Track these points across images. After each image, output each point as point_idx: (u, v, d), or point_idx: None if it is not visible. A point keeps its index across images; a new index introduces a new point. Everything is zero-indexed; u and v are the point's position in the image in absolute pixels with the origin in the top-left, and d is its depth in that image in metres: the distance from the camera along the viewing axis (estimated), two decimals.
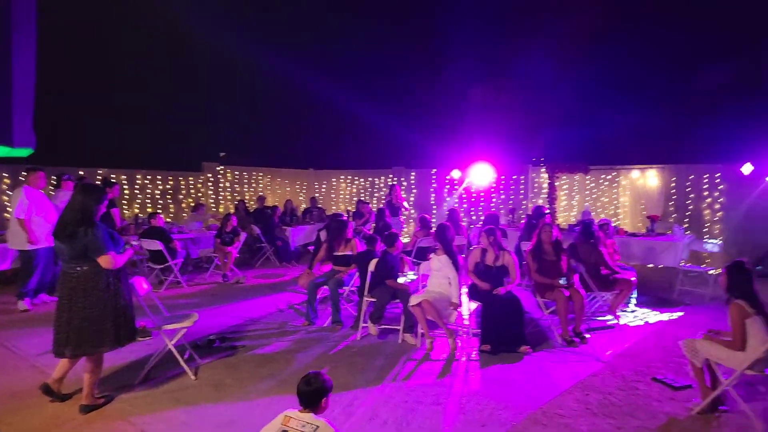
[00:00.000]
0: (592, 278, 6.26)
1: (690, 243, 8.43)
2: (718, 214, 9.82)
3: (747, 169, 9.21)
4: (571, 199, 11.85)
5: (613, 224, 8.28)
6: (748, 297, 3.67)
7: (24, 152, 2.02)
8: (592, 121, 14.23)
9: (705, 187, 9.99)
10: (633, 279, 6.31)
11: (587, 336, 5.62)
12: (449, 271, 5.48)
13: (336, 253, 6.53)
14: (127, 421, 3.73)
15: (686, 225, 9.91)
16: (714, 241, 9.07)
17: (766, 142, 9.72)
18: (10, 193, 8.53)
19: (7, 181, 9.22)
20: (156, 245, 8.01)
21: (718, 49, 13.21)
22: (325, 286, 6.32)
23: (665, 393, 4.21)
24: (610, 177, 11.34)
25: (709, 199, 9.95)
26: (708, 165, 10.04)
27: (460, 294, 5.56)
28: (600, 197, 11.49)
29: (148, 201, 11.83)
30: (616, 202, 11.27)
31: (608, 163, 11.30)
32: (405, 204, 11.37)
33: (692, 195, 10.15)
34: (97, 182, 10.21)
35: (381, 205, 13.58)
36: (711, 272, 7.90)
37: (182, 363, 4.56)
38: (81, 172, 10.04)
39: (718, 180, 9.84)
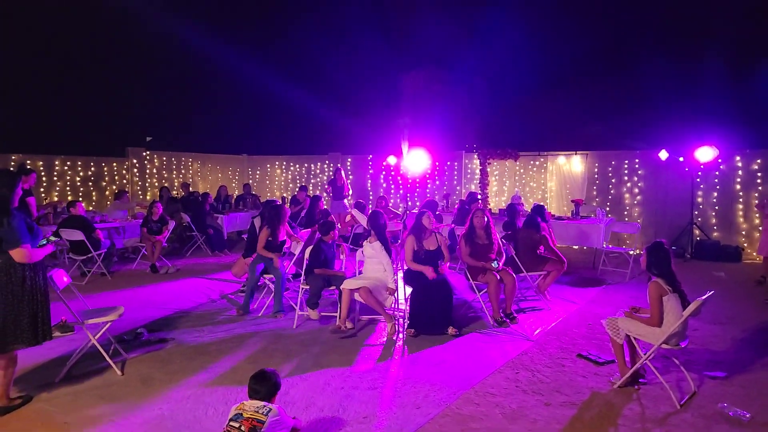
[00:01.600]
0: (522, 260, 6.51)
1: (611, 225, 8.96)
2: (638, 197, 10.49)
3: (663, 155, 9.87)
4: (502, 184, 12.25)
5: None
6: (666, 275, 3.91)
7: None
8: (522, 110, 14.73)
9: (625, 172, 10.63)
10: (563, 261, 6.60)
11: (516, 317, 5.84)
12: (383, 257, 5.52)
13: (279, 240, 6.38)
14: (48, 422, 3.49)
15: (608, 208, 10.51)
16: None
17: (681, 129, 10.47)
18: None
19: None
20: (77, 235, 7.51)
21: (639, 40, 13.98)
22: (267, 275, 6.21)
23: (589, 368, 4.45)
24: (538, 163, 11.81)
25: (629, 184, 10.60)
26: (627, 152, 10.69)
27: (396, 279, 5.61)
28: (529, 182, 11.96)
29: (68, 188, 11.06)
30: (543, 187, 11.78)
31: (536, 150, 11.77)
32: (348, 185, 11.32)
33: (613, 180, 10.77)
34: (11, 169, 9.42)
35: (317, 192, 13.48)
36: (630, 253, 8.44)
37: (107, 358, 4.32)
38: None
39: (637, 165, 10.49)
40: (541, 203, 8.03)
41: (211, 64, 15.54)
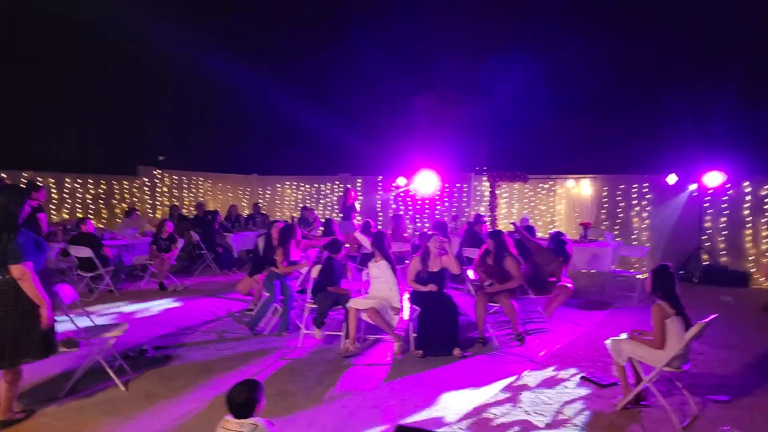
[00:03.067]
0: (531, 283, 6.49)
1: (619, 249, 8.92)
2: (646, 221, 10.45)
3: (672, 179, 9.87)
4: (511, 206, 12.26)
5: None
6: (670, 298, 3.91)
7: None
8: (532, 132, 14.83)
9: (634, 196, 10.62)
10: (570, 286, 6.56)
11: (524, 337, 5.80)
12: (389, 277, 5.55)
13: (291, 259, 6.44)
14: None
15: (616, 232, 10.47)
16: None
17: (689, 154, 10.49)
18: None
19: None
20: (85, 252, 7.61)
21: (650, 65, 14.10)
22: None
23: (593, 391, 4.41)
24: (547, 186, 11.83)
25: (637, 208, 10.58)
26: (637, 175, 10.69)
27: (402, 299, 5.63)
28: (538, 205, 11.96)
29: (79, 206, 11.24)
30: (552, 209, 11.77)
31: (546, 173, 11.80)
32: (357, 206, 11.37)
33: (622, 204, 10.75)
34: (20, 185, 9.63)
35: (327, 213, 13.58)
36: (638, 276, 8.38)
37: (111, 374, 4.35)
38: (3, 175, 9.41)
39: (646, 190, 10.48)
40: (560, 231, 8.02)
41: (223, 84, 15.86)
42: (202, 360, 5.12)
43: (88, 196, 11.44)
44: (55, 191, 10.73)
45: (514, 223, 7.47)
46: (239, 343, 5.69)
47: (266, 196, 15.34)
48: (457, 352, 5.31)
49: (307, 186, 14.83)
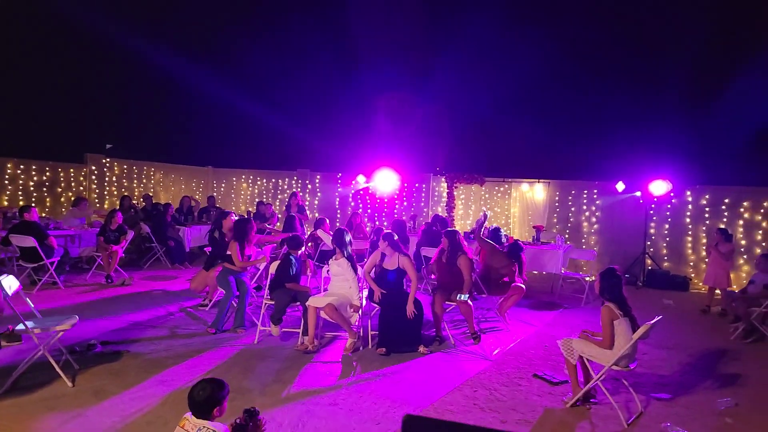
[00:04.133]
0: (485, 282, 6.64)
1: (569, 252, 9.25)
2: (595, 226, 10.89)
3: (620, 186, 10.32)
4: (468, 208, 12.50)
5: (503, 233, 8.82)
6: (618, 300, 4.10)
7: None
8: (488, 137, 15.18)
9: (584, 201, 11.04)
10: (523, 287, 6.75)
11: (480, 336, 5.94)
12: (349, 275, 5.55)
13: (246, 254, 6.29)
14: None
15: (567, 235, 10.86)
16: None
17: (637, 161, 11.00)
18: None
19: None
20: (28, 242, 7.21)
21: (600, 72, 14.69)
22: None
23: (544, 388, 4.57)
24: (502, 189, 12.12)
25: (587, 213, 11.00)
26: (587, 182, 11.11)
27: (361, 297, 5.64)
28: (493, 207, 12.24)
29: (20, 193, 10.62)
30: (507, 212, 12.07)
31: (501, 176, 12.09)
32: (306, 209, 11.35)
33: (573, 208, 11.16)
34: None
35: (284, 209, 13.41)
36: (587, 279, 8.73)
37: (57, 369, 4.16)
38: None
39: (596, 195, 10.92)
40: (518, 240, 8.24)
41: (178, 73, 15.36)
42: (154, 356, 4.96)
43: (30, 183, 10.83)
44: None
45: (485, 214, 7.59)
46: (192, 340, 5.54)
47: (221, 189, 14.98)
48: (422, 349, 5.38)
49: (264, 181, 14.58)
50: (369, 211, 13.07)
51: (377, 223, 12.89)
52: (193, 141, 17.06)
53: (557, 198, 11.35)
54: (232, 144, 17.61)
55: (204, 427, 2.58)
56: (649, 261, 10.16)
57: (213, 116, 17.89)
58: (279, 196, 14.29)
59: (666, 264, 10.22)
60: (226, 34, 16.64)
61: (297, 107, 16.82)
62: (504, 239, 7.60)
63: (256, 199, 13.72)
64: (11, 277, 4.28)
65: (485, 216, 7.53)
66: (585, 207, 11.04)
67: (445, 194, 11.97)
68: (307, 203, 13.76)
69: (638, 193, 10.29)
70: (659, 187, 9.65)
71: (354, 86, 16.30)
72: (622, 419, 3.89)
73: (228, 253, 6.19)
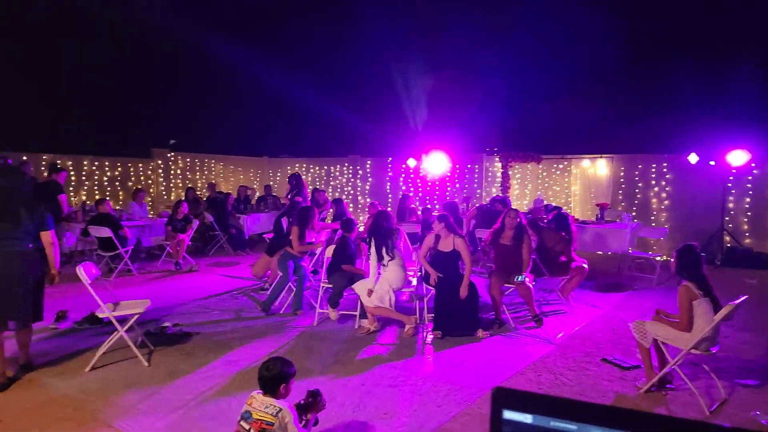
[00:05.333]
0: (545, 263, 6.41)
1: (637, 230, 8.77)
2: (665, 202, 10.27)
3: (693, 158, 9.63)
4: (524, 187, 12.12)
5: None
6: (697, 279, 3.79)
7: None
8: (546, 112, 14.58)
9: (653, 176, 10.41)
10: (585, 266, 6.47)
11: (542, 319, 5.75)
12: (374, 260, 5.50)
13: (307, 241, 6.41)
14: (79, 408, 3.58)
15: (634, 213, 10.31)
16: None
17: (711, 132, 10.23)
18: None
19: None
20: (105, 232, 7.67)
21: (669, 40, 13.75)
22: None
23: (614, 373, 4.36)
24: (561, 166, 11.65)
25: (656, 188, 10.38)
26: (655, 155, 10.46)
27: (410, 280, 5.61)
28: (552, 186, 11.80)
29: (96, 188, 11.31)
30: (567, 190, 11.60)
31: (560, 153, 11.61)
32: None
33: (640, 184, 10.55)
34: (42, 168, 9.80)
35: (336, 195, 13.55)
36: (657, 259, 8.26)
37: (134, 349, 4.40)
38: (24, 158, 9.49)
39: (665, 169, 10.27)
40: (564, 209, 7.86)
41: (233, 67, 15.78)
42: (221, 337, 5.14)
43: (104, 178, 11.50)
44: (73, 174, 10.81)
45: (547, 205, 7.34)
46: (255, 322, 5.71)
47: (276, 178, 15.33)
48: (481, 333, 5.26)
49: (317, 168, 14.77)
50: (420, 194, 12.94)
51: (428, 206, 12.76)
52: (248, 132, 17.54)
53: (622, 173, 10.77)
54: (284, 133, 17.97)
55: (271, 404, 2.67)
56: (727, 238, 9.48)
57: (267, 107, 18.29)
58: (331, 183, 14.44)
59: (747, 240, 9.49)
60: (275, 21, 16.89)
61: (347, 93, 16.87)
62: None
63: (310, 187, 13.95)
64: (91, 264, 4.55)
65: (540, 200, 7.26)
66: (654, 182, 10.42)
67: (499, 174, 11.64)
68: (358, 188, 13.86)
69: (713, 163, 9.54)
70: (738, 158, 8.92)
71: (402, 68, 16.12)
72: (704, 406, 3.63)
73: (291, 237, 6.33)
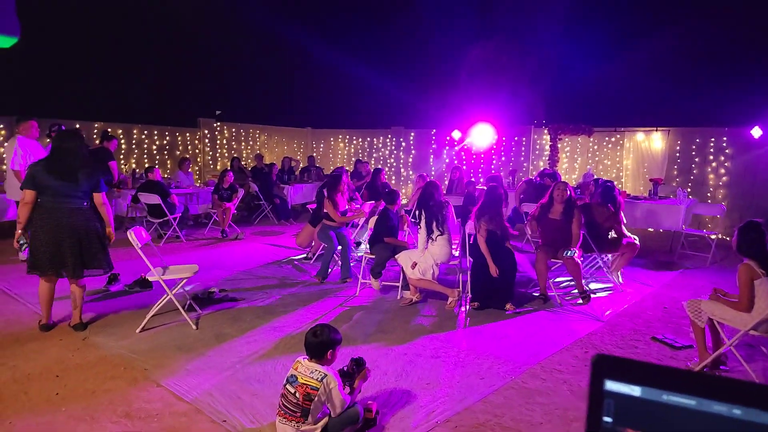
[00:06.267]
0: (594, 239, 6.20)
1: (693, 207, 8.36)
2: (723, 178, 9.72)
3: (756, 132, 9.03)
4: (573, 161, 11.71)
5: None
6: (760, 257, 3.58)
7: (7, 41, 1.85)
8: (597, 83, 13.93)
9: (711, 150, 9.85)
10: (636, 243, 6.22)
11: (590, 296, 5.60)
12: (422, 234, 5.43)
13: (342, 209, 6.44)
14: (129, 367, 3.74)
15: (689, 189, 9.82)
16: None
17: None
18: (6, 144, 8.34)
19: (2, 132, 9.05)
20: (154, 199, 7.92)
21: (725, 11, 12.79)
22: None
23: (664, 352, 4.22)
24: (613, 140, 11.16)
25: (714, 163, 9.83)
26: (714, 129, 9.87)
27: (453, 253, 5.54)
28: (603, 160, 11.35)
29: (145, 156, 11.66)
30: (618, 164, 11.14)
31: (612, 126, 11.10)
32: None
33: (697, 159, 10.01)
34: (94, 136, 10.11)
35: (379, 166, 13.49)
36: (713, 237, 7.88)
37: (183, 312, 4.55)
38: (77, 125, 9.84)
39: (725, 144, 9.69)
40: (612, 183, 7.52)
41: (278, 39, 15.78)
42: (266, 304, 5.27)
43: (153, 146, 11.83)
44: (124, 142, 11.16)
45: (597, 180, 7.09)
46: (299, 290, 5.81)
47: (320, 149, 15.39)
48: (509, 306, 5.19)
49: (360, 140, 14.72)
50: (464, 166, 12.72)
51: (473, 179, 12.54)
52: (293, 103, 17.61)
53: (678, 148, 10.23)
54: (329, 105, 17.93)
55: (316, 370, 2.71)
56: None
57: (311, 77, 18.26)
58: (374, 155, 14.38)
59: None
60: None
61: (391, 64, 16.61)
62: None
63: (353, 159, 13.94)
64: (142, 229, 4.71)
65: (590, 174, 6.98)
66: (711, 157, 9.85)
67: (548, 147, 11.27)
68: (401, 161, 13.75)
69: None
70: None
71: (448, 37, 15.68)
72: None
73: (326, 210, 6.37)
